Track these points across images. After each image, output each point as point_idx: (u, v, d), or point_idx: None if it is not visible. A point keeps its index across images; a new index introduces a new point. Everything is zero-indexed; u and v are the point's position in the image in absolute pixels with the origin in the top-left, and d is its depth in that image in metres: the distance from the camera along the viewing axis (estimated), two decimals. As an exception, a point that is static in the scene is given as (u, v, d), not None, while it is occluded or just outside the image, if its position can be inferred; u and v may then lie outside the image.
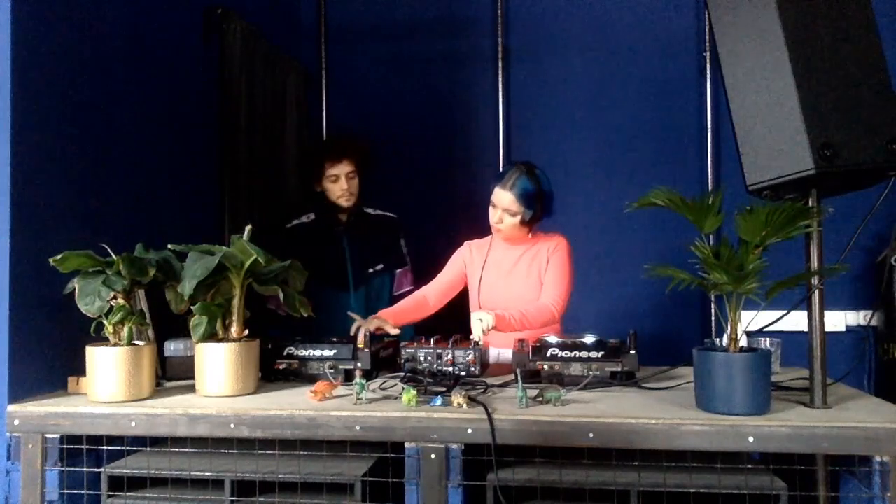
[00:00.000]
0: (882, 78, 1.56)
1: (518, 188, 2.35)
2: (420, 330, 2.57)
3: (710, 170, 3.27)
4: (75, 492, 1.72)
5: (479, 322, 2.18)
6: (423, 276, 2.88)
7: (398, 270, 2.85)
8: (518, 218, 2.39)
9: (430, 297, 2.50)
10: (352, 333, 2.25)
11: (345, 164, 2.73)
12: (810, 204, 1.60)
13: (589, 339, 2.00)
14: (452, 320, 2.51)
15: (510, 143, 3.43)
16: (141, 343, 1.80)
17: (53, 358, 1.83)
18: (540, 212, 2.43)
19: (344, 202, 2.75)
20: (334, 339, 2.08)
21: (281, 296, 1.87)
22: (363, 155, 2.80)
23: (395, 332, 2.29)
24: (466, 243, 2.60)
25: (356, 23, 3.58)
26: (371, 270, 2.82)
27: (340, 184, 2.73)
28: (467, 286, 2.59)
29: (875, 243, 3.04)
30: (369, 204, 2.88)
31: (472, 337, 2.16)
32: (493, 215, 2.42)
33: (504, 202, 2.37)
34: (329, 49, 3.60)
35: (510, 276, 2.47)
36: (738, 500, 1.55)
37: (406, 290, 2.82)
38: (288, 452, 1.68)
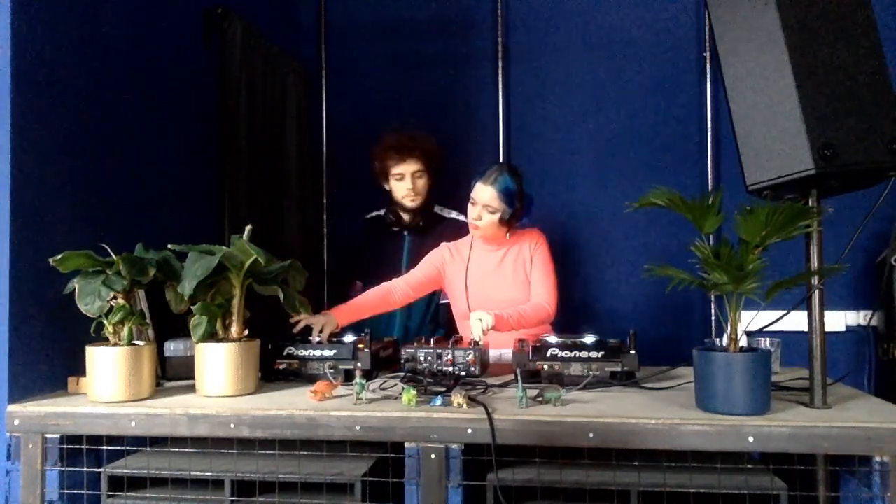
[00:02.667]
0: (882, 78, 1.56)
1: (500, 184, 2.34)
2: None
3: (710, 170, 3.27)
4: (75, 492, 1.72)
5: (479, 322, 2.17)
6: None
7: None
8: (497, 216, 2.37)
9: (397, 291, 2.43)
10: (295, 331, 2.10)
11: (410, 163, 2.65)
12: (810, 204, 1.60)
13: (589, 339, 2.00)
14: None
15: (510, 143, 3.43)
16: (141, 343, 1.80)
17: (53, 358, 1.83)
18: (519, 212, 2.42)
19: (409, 202, 2.69)
20: (334, 339, 2.08)
21: (281, 296, 1.87)
22: (432, 153, 2.71)
23: (334, 330, 2.14)
24: (444, 245, 2.56)
25: (356, 23, 3.58)
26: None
27: (405, 183, 2.66)
28: (442, 289, 2.56)
29: (875, 243, 3.04)
30: (446, 203, 2.81)
31: (472, 337, 2.16)
32: (472, 212, 2.40)
33: (484, 198, 2.36)
34: (329, 49, 3.59)
35: (496, 276, 2.46)
36: (738, 500, 1.55)
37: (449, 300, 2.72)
38: (288, 452, 1.68)
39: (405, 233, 2.76)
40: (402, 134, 2.72)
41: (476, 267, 2.48)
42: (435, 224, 2.78)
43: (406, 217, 2.74)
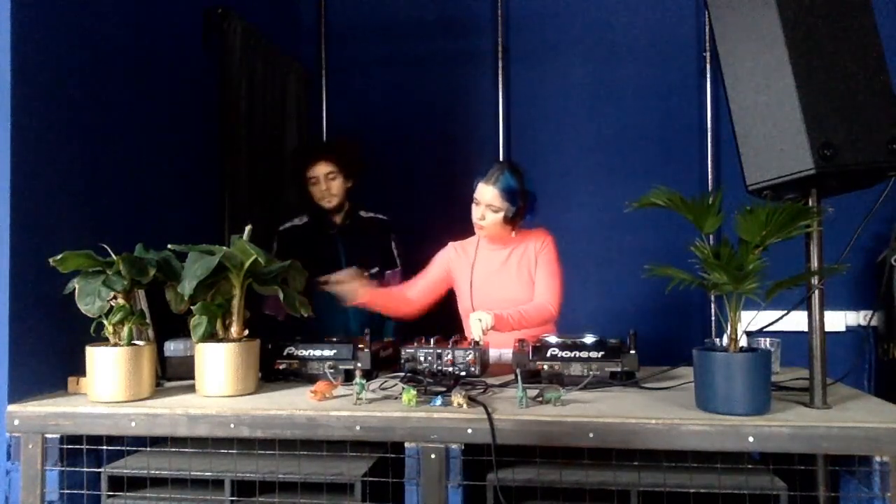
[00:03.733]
0: (882, 78, 1.56)
1: (502, 183, 2.34)
2: (419, 330, 2.56)
3: (710, 170, 3.27)
4: (75, 492, 1.72)
5: (479, 322, 2.17)
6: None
7: (388, 272, 2.83)
8: (501, 215, 2.38)
9: (413, 295, 2.48)
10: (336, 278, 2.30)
11: (322, 166, 2.71)
12: (810, 204, 1.60)
13: (589, 339, 2.00)
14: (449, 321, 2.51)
15: (510, 143, 3.43)
16: (141, 343, 1.80)
17: (53, 358, 1.83)
18: (523, 210, 2.42)
19: (325, 204, 2.74)
20: (334, 339, 2.08)
21: (281, 296, 1.87)
22: (343, 154, 2.77)
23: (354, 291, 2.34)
24: (450, 244, 2.58)
25: (356, 23, 3.58)
26: (367, 273, 2.78)
27: (319, 186, 2.72)
28: (452, 288, 2.58)
29: (875, 243, 3.04)
30: (364, 206, 2.87)
31: (471, 337, 2.16)
32: (476, 212, 2.41)
33: (487, 197, 2.36)
34: (329, 49, 3.60)
35: (500, 276, 2.46)
36: (738, 500, 1.55)
37: None
38: (288, 452, 1.68)
39: (336, 236, 2.80)
40: (312, 140, 2.79)
41: (481, 266, 2.48)
42: (360, 224, 2.83)
43: (336, 219, 2.80)
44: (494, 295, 2.41)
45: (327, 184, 2.73)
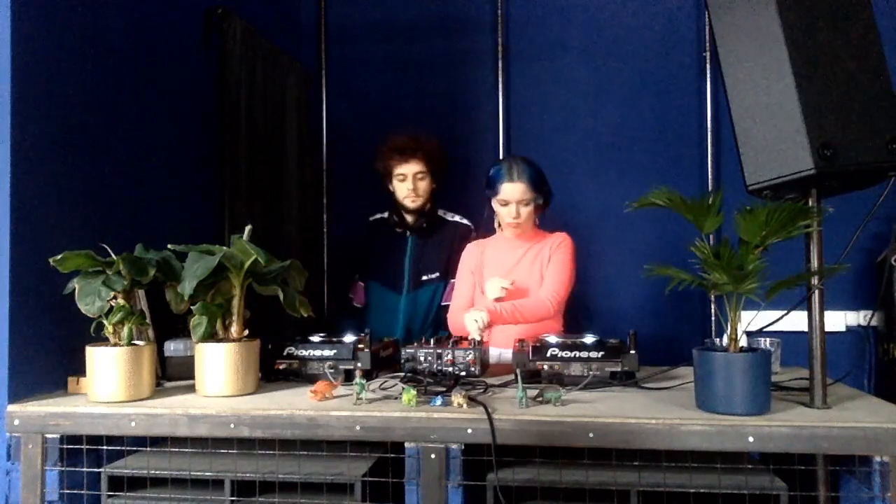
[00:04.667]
0: (882, 78, 1.56)
1: (526, 176, 2.37)
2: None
3: (710, 170, 3.27)
4: (75, 492, 1.72)
5: (475, 322, 2.18)
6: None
7: (453, 280, 2.70)
8: (531, 206, 2.41)
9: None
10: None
11: (413, 164, 2.67)
12: (810, 204, 1.60)
13: (589, 339, 2.00)
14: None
15: (510, 143, 3.43)
16: (141, 343, 1.80)
17: (53, 358, 1.83)
18: (548, 193, 2.45)
19: (409, 203, 2.71)
20: (334, 339, 2.08)
21: (281, 296, 1.87)
22: (434, 154, 2.73)
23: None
24: (468, 246, 2.61)
25: (356, 23, 3.58)
26: (425, 277, 2.75)
27: (407, 184, 2.68)
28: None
29: (875, 243, 3.04)
30: (450, 207, 2.84)
31: (470, 337, 2.16)
32: (508, 213, 2.41)
33: (517, 194, 2.37)
34: (329, 49, 3.60)
35: (512, 272, 2.47)
36: (738, 500, 1.55)
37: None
38: (288, 452, 1.68)
39: (408, 234, 2.77)
40: (406, 135, 2.74)
41: (496, 264, 2.50)
42: (438, 226, 2.79)
43: (409, 218, 2.75)
44: (510, 301, 2.41)
45: (415, 183, 2.69)
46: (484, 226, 2.70)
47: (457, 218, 2.83)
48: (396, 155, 2.69)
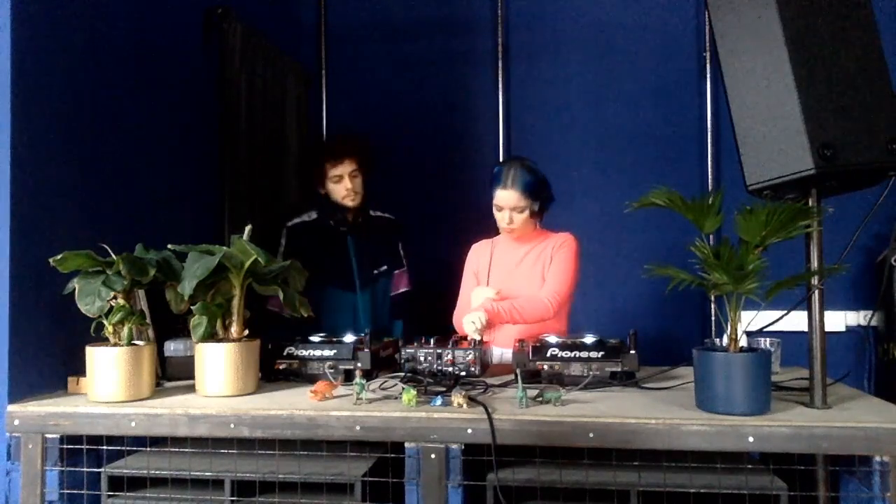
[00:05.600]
0: (882, 78, 1.56)
1: (520, 183, 2.35)
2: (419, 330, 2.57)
3: (710, 170, 3.27)
4: (75, 492, 1.72)
5: (472, 325, 2.17)
6: (423, 276, 2.88)
7: (396, 271, 2.83)
8: (527, 213, 2.39)
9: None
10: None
11: (347, 164, 2.69)
12: (810, 204, 1.60)
13: (589, 339, 2.00)
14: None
15: (510, 143, 3.43)
16: (141, 343, 1.80)
17: (53, 358, 1.83)
18: (546, 200, 2.43)
19: (349, 202, 2.71)
20: (334, 339, 2.08)
21: (281, 296, 1.87)
22: (365, 153, 2.76)
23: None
24: (473, 246, 2.61)
25: (356, 23, 3.58)
26: (376, 271, 2.80)
27: (344, 183, 2.69)
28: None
29: (875, 243, 3.04)
30: (371, 205, 2.86)
31: (469, 337, 2.16)
32: (502, 218, 2.41)
33: (510, 202, 2.37)
34: (329, 49, 3.60)
35: (514, 273, 2.47)
36: (738, 500, 1.55)
37: (402, 290, 2.83)
38: (288, 452, 1.68)
39: (347, 234, 2.77)
40: (337, 136, 2.79)
41: (499, 264, 2.51)
42: (368, 222, 2.81)
43: (349, 217, 2.76)
44: (506, 292, 2.41)
45: (352, 182, 2.70)
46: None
47: (379, 213, 2.86)
48: (329, 157, 2.71)
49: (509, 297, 2.34)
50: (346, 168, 2.69)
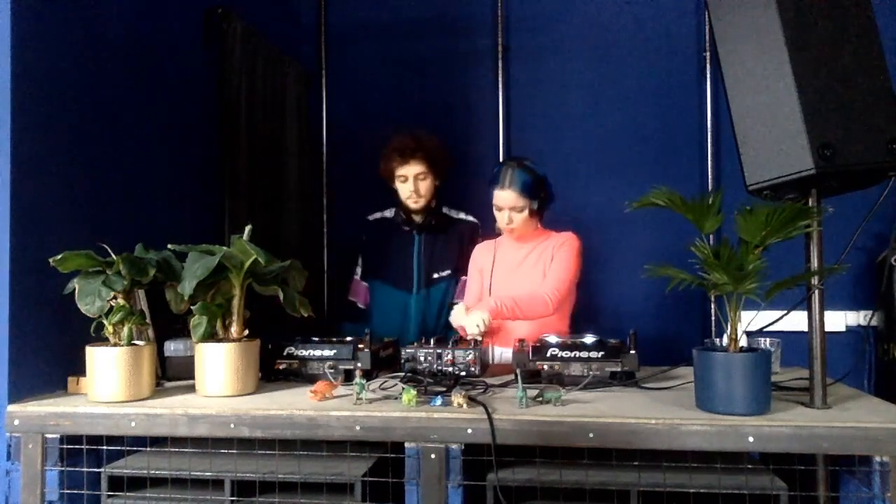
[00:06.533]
0: (882, 78, 1.56)
1: (517, 183, 2.35)
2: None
3: (710, 170, 3.27)
4: (75, 492, 1.72)
5: (476, 328, 2.17)
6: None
7: (463, 278, 2.71)
8: (526, 212, 2.40)
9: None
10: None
11: (413, 165, 2.65)
12: (810, 204, 1.60)
13: (589, 339, 2.00)
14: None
15: (510, 143, 3.43)
16: (141, 343, 1.80)
17: (53, 358, 1.83)
18: (545, 199, 2.43)
19: (412, 203, 2.69)
20: (334, 339, 2.08)
21: (281, 296, 1.87)
22: (435, 153, 2.71)
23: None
24: (477, 246, 2.62)
25: (356, 23, 3.58)
26: (437, 275, 2.74)
27: (409, 185, 2.66)
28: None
29: (875, 243, 3.04)
30: (454, 205, 2.82)
31: (470, 337, 2.16)
32: (502, 219, 2.42)
33: (508, 202, 2.37)
34: (329, 49, 3.60)
35: (516, 272, 2.48)
36: (738, 500, 1.55)
37: None
38: (288, 452, 1.68)
39: (415, 233, 2.77)
40: (406, 135, 2.72)
41: (501, 264, 2.51)
42: (444, 225, 2.78)
43: (416, 218, 2.74)
44: (508, 291, 2.42)
45: (416, 184, 2.66)
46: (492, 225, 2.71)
47: (462, 215, 2.82)
48: (397, 156, 2.67)
49: (500, 298, 2.33)
50: (412, 169, 2.65)
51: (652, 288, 3.07)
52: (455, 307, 2.35)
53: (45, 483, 1.70)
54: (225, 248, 1.82)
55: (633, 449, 1.55)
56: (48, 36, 1.83)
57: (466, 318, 2.24)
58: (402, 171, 2.67)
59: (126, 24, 2.15)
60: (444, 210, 2.81)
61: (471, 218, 2.82)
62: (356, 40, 3.58)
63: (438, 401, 1.67)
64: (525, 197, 2.36)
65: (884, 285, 2.98)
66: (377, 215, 2.85)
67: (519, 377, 1.74)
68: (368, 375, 1.93)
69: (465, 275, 2.70)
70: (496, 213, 2.43)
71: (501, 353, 2.34)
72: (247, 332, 1.87)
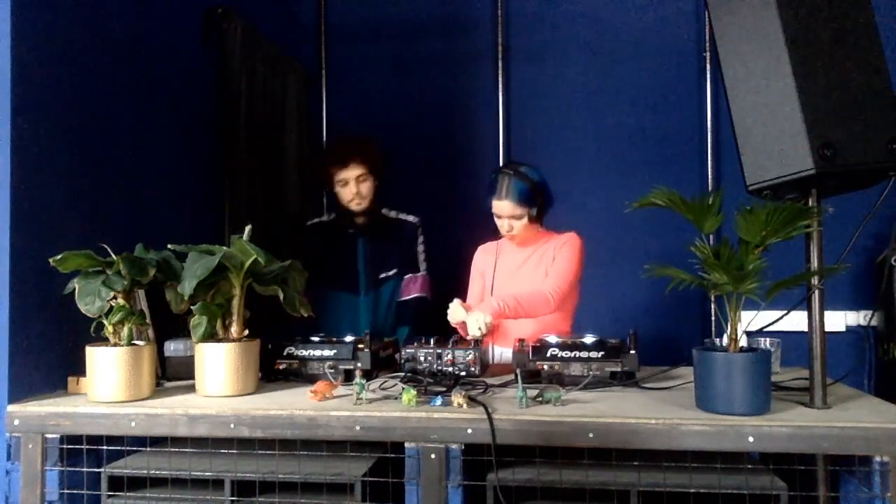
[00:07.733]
0: (882, 78, 1.56)
1: (513, 193, 2.35)
2: (420, 330, 2.57)
3: (710, 170, 3.27)
4: (75, 492, 1.72)
5: (479, 330, 2.17)
6: (432, 275, 2.86)
7: (407, 276, 2.75)
8: (525, 219, 2.39)
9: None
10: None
11: (353, 168, 2.65)
12: (810, 204, 1.60)
13: (589, 339, 2.00)
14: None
15: (510, 143, 3.43)
16: (141, 343, 1.80)
17: (53, 358, 1.83)
18: (544, 204, 2.43)
19: (354, 206, 2.68)
20: (334, 339, 2.08)
21: (281, 296, 1.87)
22: (373, 156, 2.71)
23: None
24: (480, 248, 2.62)
25: (356, 23, 3.58)
26: (383, 275, 2.74)
27: (350, 188, 2.66)
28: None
29: (875, 243, 3.04)
30: (390, 205, 2.82)
31: (469, 336, 2.16)
32: (502, 226, 2.43)
33: (506, 211, 2.37)
34: (329, 49, 3.60)
35: (517, 274, 2.48)
36: (738, 500, 1.55)
37: (415, 296, 2.74)
38: (288, 452, 1.68)
39: (358, 235, 2.76)
40: (342, 139, 2.74)
41: (503, 266, 2.51)
42: (385, 225, 2.78)
43: (358, 220, 2.74)
44: (510, 292, 2.41)
45: (358, 186, 2.66)
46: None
47: (401, 216, 2.82)
48: (336, 160, 2.67)
49: (502, 297, 2.33)
50: (351, 172, 2.65)
51: (652, 288, 3.07)
52: (452, 304, 2.33)
53: (45, 483, 1.70)
54: (225, 248, 1.82)
55: (633, 449, 1.55)
56: (48, 36, 1.83)
57: (467, 317, 2.24)
58: (342, 174, 2.66)
59: (126, 23, 2.15)
60: (384, 211, 2.80)
61: (411, 218, 2.81)
62: (356, 40, 3.58)
63: (438, 401, 1.67)
64: (522, 206, 2.36)
65: (884, 285, 2.98)
66: (315, 220, 2.83)
67: (519, 377, 1.74)
68: (368, 375, 1.93)
69: (411, 273, 2.74)
70: (496, 220, 2.43)
71: (501, 352, 2.34)
72: (247, 332, 1.87)
